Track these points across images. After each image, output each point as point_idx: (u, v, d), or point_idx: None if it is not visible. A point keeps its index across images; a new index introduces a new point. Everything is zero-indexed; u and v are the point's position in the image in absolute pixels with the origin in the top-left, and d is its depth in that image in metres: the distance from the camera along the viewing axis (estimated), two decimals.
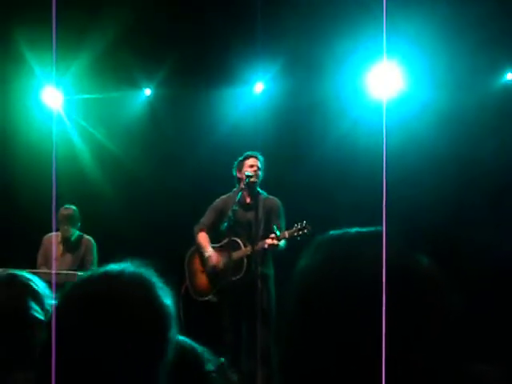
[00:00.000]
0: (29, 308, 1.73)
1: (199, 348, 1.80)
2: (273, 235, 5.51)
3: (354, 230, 1.08)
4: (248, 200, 5.84)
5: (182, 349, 1.75)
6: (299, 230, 5.45)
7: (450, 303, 1.01)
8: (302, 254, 1.08)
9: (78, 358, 1.22)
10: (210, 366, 1.78)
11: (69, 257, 6.57)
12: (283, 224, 5.80)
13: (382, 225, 1.06)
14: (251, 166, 5.82)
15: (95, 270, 1.38)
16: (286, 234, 5.52)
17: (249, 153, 5.93)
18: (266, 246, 5.50)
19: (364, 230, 1.08)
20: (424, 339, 0.97)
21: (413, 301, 0.98)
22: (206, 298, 5.84)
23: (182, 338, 1.80)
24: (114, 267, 1.35)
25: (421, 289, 1.00)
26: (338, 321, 0.98)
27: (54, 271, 6.24)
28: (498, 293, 6.26)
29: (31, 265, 6.41)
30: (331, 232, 1.09)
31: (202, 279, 5.92)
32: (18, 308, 1.74)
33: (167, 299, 1.34)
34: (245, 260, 5.65)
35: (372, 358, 0.94)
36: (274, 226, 5.63)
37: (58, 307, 1.31)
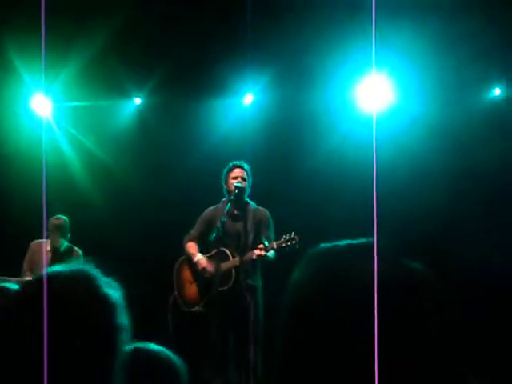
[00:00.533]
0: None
1: (177, 361, 1.78)
2: (261, 246, 5.50)
3: (344, 242, 1.08)
4: (236, 211, 5.82)
5: (157, 359, 1.75)
6: (287, 240, 5.45)
7: (448, 312, 1.02)
8: (295, 267, 1.09)
9: (28, 360, 1.22)
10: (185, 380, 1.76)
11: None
12: (272, 235, 5.80)
13: (372, 237, 1.07)
14: (235, 178, 5.79)
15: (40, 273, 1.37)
16: (275, 244, 5.51)
17: (234, 162, 5.91)
18: (255, 256, 5.49)
19: (354, 242, 1.08)
20: (420, 351, 0.97)
21: (409, 312, 0.98)
22: (194, 309, 5.81)
23: (158, 347, 1.79)
24: (56, 268, 1.36)
25: (418, 298, 1.00)
26: (330, 333, 0.98)
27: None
28: (488, 306, 6.28)
29: (19, 272, 6.38)
30: (322, 245, 1.10)
31: (191, 290, 5.90)
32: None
33: (109, 290, 1.34)
34: (233, 271, 5.63)
35: (365, 369, 0.95)
36: (263, 237, 5.63)
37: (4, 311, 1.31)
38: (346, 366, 0.96)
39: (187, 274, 5.94)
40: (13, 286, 1.82)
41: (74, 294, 1.30)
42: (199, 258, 5.82)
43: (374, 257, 1.02)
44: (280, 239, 5.52)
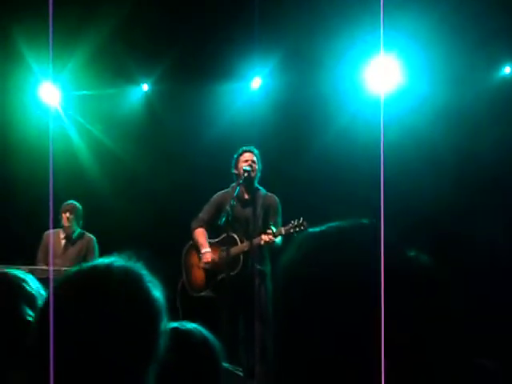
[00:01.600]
0: (19, 310, 1.69)
1: (216, 342, 1.82)
2: (269, 231, 5.49)
3: (335, 223, 1.09)
4: (246, 195, 5.82)
5: (198, 339, 1.78)
6: (296, 226, 5.42)
7: (449, 302, 1.02)
8: (286, 250, 1.09)
9: (68, 353, 1.21)
10: (225, 363, 1.81)
11: (71, 254, 6.56)
12: (280, 221, 5.78)
13: (379, 218, 1.07)
14: (246, 161, 5.78)
15: (84, 264, 1.36)
16: (283, 230, 5.49)
17: (243, 148, 5.90)
18: (262, 242, 5.48)
19: (344, 223, 1.08)
20: (420, 334, 0.98)
21: (400, 294, 0.98)
22: (202, 294, 5.83)
23: (199, 327, 1.83)
24: (102, 261, 1.35)
25: (416, 284, 1.01)
26: (320, 315, 0.99)
27: (51, 268, 6.22)
28: (497, 288, 6.27)
29: (30, 260, 6.41)
30: (310, 229, 1.10)
31: (198, 274, 5.90)
32: (6, 310, 1.69)
33: (156, 292, 1.34)
34: (241, 256, 5.64)
35: (356, 352, 0.96)
36: (271, 223, 5.62)
37: (46, 303, 1.29)
38: (336, 347, 0.97)
39: (195, 259, 5.94)
40: (19, 273, 1.82)
41: (120, 293, 1.28)
42: (206, 250, 5.81)
43: (364, 237, 1.02)
44: (288, 225, 5.51)
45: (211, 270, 5.77)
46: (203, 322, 1.88)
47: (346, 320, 0.97)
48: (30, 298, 1.73)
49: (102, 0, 7.11)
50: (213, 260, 5.75)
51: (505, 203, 6.79)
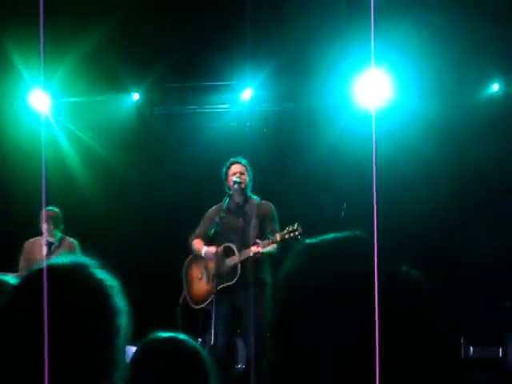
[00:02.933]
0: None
1: (206, 356, 1.86)
2: (258, 241, 5.49)
3: (330, 235, 1.11)
4: (236, 206, 5.81)
5: (188, 349, 1.82)
6: (290, 232, 5.40)
7: (437, 317, 1.04)
8: (284, 263, 1.11)
9: (31, 350, 1.24)
10: (214, 380, 1.84)
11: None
12: (277, 227, 5.76)
13: (372, 232, 1.08)
14: (234, 174, 5.79)
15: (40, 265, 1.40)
16: (278, 236, 5.47)
17: (231, 160, 5.91)
18: (251, 253, 5.48)
19: (340, 235, 1.11)
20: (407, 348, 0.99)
21: (395, 306, 1.00)
22: (202, 306, 5.81)
23: (190, 339, 1.87)
24: (52, 261, 1.39)
25: (405, 298, 1.03)
26: (318, 323, 1.00)
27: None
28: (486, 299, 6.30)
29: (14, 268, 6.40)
30: (307, 240, 1.13)
31: (199, 287, 5.91)
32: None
33: (104, 275, 1.38)
34: (238, 266, 5.63)
35: (352, 357, 0.97)
36: (269, 231, 5.61)
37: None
38: (331, 357, 0.99)
39: (195, 272, 5.96)
40: (11, 279, 1.83)
41: (72, 284, 1.33)
42: (206, 249, 5.79)
43: (357, 249, 1.04)
44: (283, 231, 5.50)
45: (210, 281, 5.74)
46: (199, 335, 1.94)
47: (340, 330, 0.99)
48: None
49: (93, 8, 7.11)
50: (216, 252, 5.64)
51: (494, 215, 6.84)
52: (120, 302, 1.36)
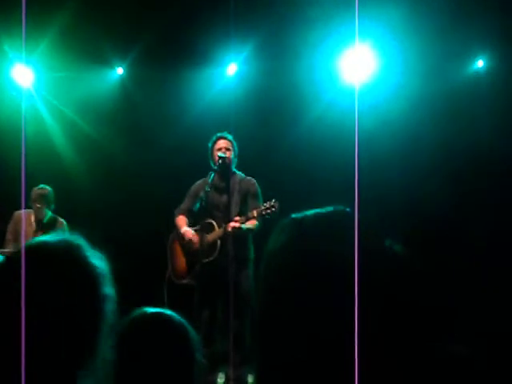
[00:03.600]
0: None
1: (190, 329, 1.88)
2: (237, 218, 5.50)
3: (313, 211, 1.11)
4: (222, 182, 5.80)
5: (175, 325, 1.84)
6: (267, 208, 5.41)
7: (420, 290, 1.04)
8: (269, 239, 1.12)
9: (13, 327, 1.24)
10: (200, 356, 1.86)
11: None
12: (260, 204, 5.76)
13: (353, 206, 1.09)
14: (220, 149, 5.78)
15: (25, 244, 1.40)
16: (255, 212, 5.47)
17: (217, 135, 5.88)
18: (229, 229, 5.48)
19: (322, 210, 1.11)
20: (391, 321, 1.00)
21: (378, 282, 1.01)
22: (184, 281, 5.83)
23: (176, 315, 1.89)
24: (41, 238, 1.39)
25: (388, 273, 1.03)
26: (302, 299, 1.01)
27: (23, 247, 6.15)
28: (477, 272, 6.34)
29: (2, 242, 6.38)
30: (292, 215, 1.13)
31: (180, 263, 5.91)
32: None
33: (96, 259, 1.37)
34: (218, 242, 5.64)
35: (337, 334, 0.98)
36: (251, 208, 5.61)
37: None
38: (319, 331, 0.99)
39: (178, 247, 5.96)
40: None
41: (60, 264, 1.32)
42: (185, 230, 5.82)
43: (340, 224, 1.05)
44: (260, 207, 5.51)
45: (192, 254, 5.76)
46: (186, 310, 1.95)
47: (320, 306, 0.99)
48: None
49: None
50: (193, 238, 5.71)
51: (479, 189, 6.88)
52: (109, 288, 1.36)
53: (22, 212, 6.46)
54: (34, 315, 1.24)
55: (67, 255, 1.34)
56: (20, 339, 1.22)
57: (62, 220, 6.64)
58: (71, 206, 7.04)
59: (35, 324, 1.24)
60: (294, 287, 1.02)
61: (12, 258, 1.36)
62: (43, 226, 6.56)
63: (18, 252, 1.35)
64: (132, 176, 7.62)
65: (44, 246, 1.35)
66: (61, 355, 1.26)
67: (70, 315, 1.28)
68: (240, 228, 5.47)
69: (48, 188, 6.57)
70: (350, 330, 0.96)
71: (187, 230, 5.80)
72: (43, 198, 6.48)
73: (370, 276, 0.98)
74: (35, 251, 1.34)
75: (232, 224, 5.46)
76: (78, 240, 1.39)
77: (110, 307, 1.36)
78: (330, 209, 1.11)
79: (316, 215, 1.10)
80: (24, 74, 7.53)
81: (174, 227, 5.98)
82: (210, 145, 5.87)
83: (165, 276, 5.95)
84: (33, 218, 6.57)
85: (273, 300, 1.05)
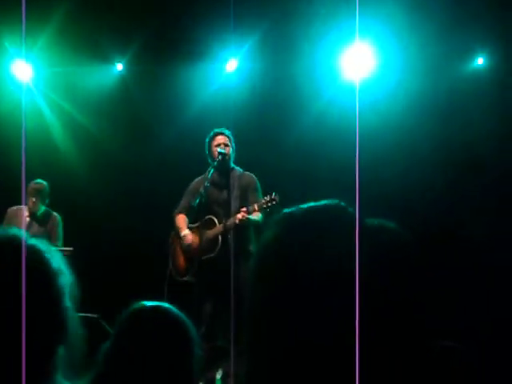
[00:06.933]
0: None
1: (191, 326, 1.88)
2: (244, 209, 5.49)
3: (307, 204, 1.10)
4: (220, 177, 5.79)
5: (173, 317, 1.84)
6: (268, 201, 5.41)
7: (422, 276, 1.04)
8: (264, 233, 1.11)
9: None
10: (198, 350, 1.87)
11: (34, 232, 6.50)
12: (260, 199, 5.76)
13: (354, 202, 1.09)
14: (218, 145, 5.77)
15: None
16: (256, 206, 5.48)
17: (215, 130, 5.85)
18: (237, 221, 5.47)
19: (317, 203, 1.10)
20: (389, 310, 0.99)
21: (374, 268, 1.00)
22: (185, 279, 5.83)
23: (174, 308, 1.90)
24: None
25: (388, 267, 1.02)
26: (293, 293, 1.00)
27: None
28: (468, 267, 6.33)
29: None
30: (285, 210, 1.12)
31: (181, 260, 5.91)
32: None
33: (55, 261, 1.39)
34: (219, 238, 5.64)
35: (331, 327, 0.97)
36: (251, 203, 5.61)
37: None
38: (310, 324, 0.99)
39: (178, 245, 5.96)
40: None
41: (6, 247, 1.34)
42: (185, 233, 5.81)
43: (334, 217, 1.04)
44: (261, 200, 5.52)
45: (192, 254, 5.76)
46: (184, 307, 1.95)
47: (312, 301, 0.99)
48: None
49: None
50: (193, 242, 5.73)
51: (478, 186, 6.87)
52: (58, 263, 1.38)
53: (20, 207, 6.48)
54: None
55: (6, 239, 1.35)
56: None
57: (55, 214, 6.65)
58: (69, 200, 7.04)
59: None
60: (286, 280, 1.01)
61: None
62: (37, 220, 6.58)
63: None
64: (130, 170, 7.61)
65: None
66: (27, 336, 1.27)
67: (29, 292, 1.28)
68: (248, 219, 5.47)
69: (44, 182, 6.58)
70: (344, 322, 0.95)
71: (187, 234, 5.79)
72: (38, 192, 6.50)
73: (366, 276, 0.97)
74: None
75: (240, 215, 5.45)
76: (40, 243, 1.40)
77: (65, 280, 1.37)
78: (323, 202, 1.10)
79: (307, 209, 1.09)
80: (24, 70, 7.53)
81: (174, 227, 5.97)
82: (207, 140, 5.85)
83: (165, 273, 5.95)
84: (26, 213, 6.58)
85: (263, 293, 1.04)
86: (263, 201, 5.46)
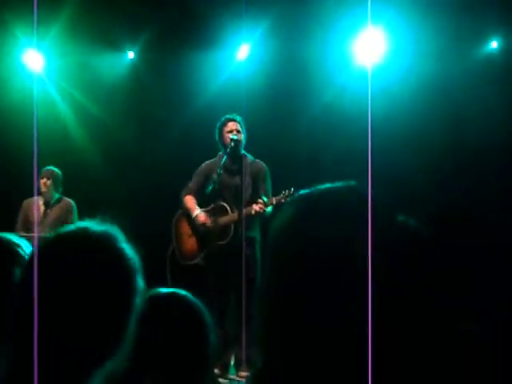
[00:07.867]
0: (13, 276, 1.66)
1: (207, 313, 1.89)
2: (261, 201, 5.48)
3: (323, 186, 1.09)
4: (233, 164, 5.76)
5: (191, 305, 1.85)
6: (286, 197, 5.40)
7: (435, 264, 1.03)
8: (275, 215, 1.10)
9: (50, 312, 1.24)
10: (214, 337, 1.87)
11: (50, 219, 6.53)
12: (269, 187, 5.75)
13: (352, 180, 1.08)
14: (231, 131, 5.74)
15: (61, 228, 1.40)
16: (274, 200, 5.48)
17: (226, 117, 5.81)
18: (253, 212, 5.47)
19: (332, 185, 1.09)
20: (405, 295, 0.99)
21: (393, 257, 0.99)
22: (194, 262, 5.83)
23: (189, 294, 1.90)
24: (80, 224, 1.39)
25: (402, 249, 1.01)
26: (307, 274, 0.99)
27: (35, 234, 6.21)
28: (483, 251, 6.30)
29: (11, 229, 6.39)
30: (301, 191, 1.11)
31: (189, 243, 5.89)
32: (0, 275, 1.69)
33: (131, 253, 1.38)
34: (232, 225, 5.64)
35: (342, 309, 0.96)
36: (262, 194, 5.61)
37: (28, 266, 1.32)
38: (323, 306, 0.98)
39: (186, 227, 5.93)
40: (14, 238, 1.80)
41: (100, 253, 1.33)
42: (198, 212, 5.80)
43: (351, 199, 1.03)
44: (279, 195, 5.50)
45: (203, 236, 5.76)
46: (192, 289, 1.94)
47: (324, 283, 0.97)
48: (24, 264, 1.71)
49: None
50: (207, 222, 5.72)
51: (492, 171, 6.83)
52: (140, 281, 1.37)
53: (35, 198, 6.52)
54: (71, 304, 1.25)
55: (107, 247, 1.34)
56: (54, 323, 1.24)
57: (69, 200, 6.67)
58: (81, 190, 7.06)
59: (69, 306, 1.25)
60: (300, 264, 1.00)
61: (52, 241, 1.36)
62: (51, 208, 6.61)
63: (54, 236, 1.37)
64: (142, 159, 7.62)
65: (85, 234, 1.35)
66: (89, 344, 1.27)
67: (102, 304, 1.28)
68: (264, 211, 5.47)
69: (57, 170, 6.61)
70: (358, 307, 0.94)
71: (200, 214, 5.78)
72: (53, 178, 6.54)
73: (380, 255, 0.96)
74: (76, 236, 1.35)
75: (257, 207, 5.45)
76: (117, 232, 1.40)
77: (139, 300, 1.36)
78: (339, 184, 1.09)
79: (323, 190, 1.08)
80: (35, 59, 7.54)
81: (182, 207, 5.96)
82: (218, 126, 5.82)
83: (167, 254, 5.93)
84: (41, 202, 6.62)
85: (277, 278, 1.04)
86: (281, 196, 5.45)
